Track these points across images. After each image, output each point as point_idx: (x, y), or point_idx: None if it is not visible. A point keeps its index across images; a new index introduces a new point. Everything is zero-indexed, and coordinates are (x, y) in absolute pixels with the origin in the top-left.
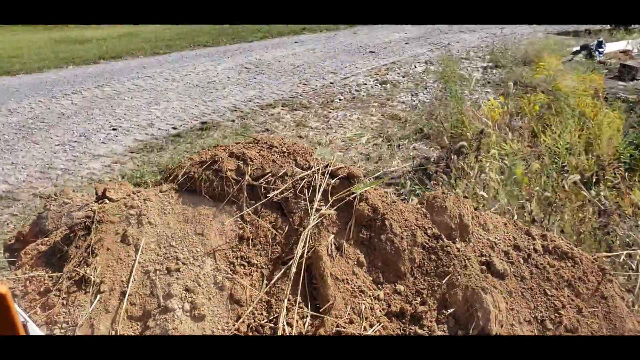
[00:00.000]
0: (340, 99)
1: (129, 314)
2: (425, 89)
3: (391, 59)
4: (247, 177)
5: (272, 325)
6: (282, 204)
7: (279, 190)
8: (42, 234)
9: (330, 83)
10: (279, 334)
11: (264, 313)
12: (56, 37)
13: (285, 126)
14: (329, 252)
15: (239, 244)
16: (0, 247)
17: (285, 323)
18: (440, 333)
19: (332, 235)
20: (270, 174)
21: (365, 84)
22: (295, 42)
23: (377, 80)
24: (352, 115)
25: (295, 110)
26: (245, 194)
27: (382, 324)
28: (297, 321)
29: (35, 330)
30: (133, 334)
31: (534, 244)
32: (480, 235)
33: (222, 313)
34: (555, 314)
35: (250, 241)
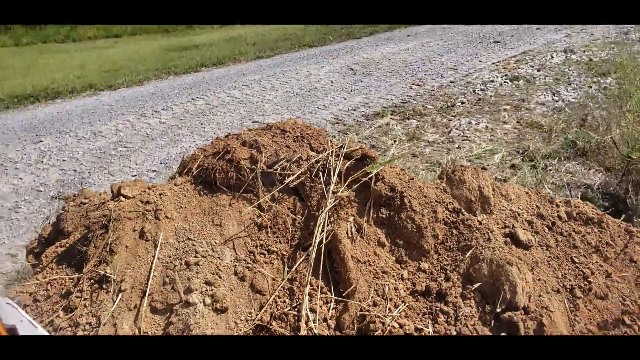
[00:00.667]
0: (462, 102)
1: (151, 310)
2: (569, 85)
3: (521, 48)
4: (261, 164)
5: (296, 312)
6: (298, 189)
7: (295, 176)
8: (62, 235)
9: (450, 82)
10: (303, 320)
11: (287, 300)
12: (165, 45)
13: (396, 140)
14: (349, 235)
15: (258, 232)
16: (23, 252)
17: (308, 310)
18: (466, 309)
19: (352, 217)
20: (284, 160)
21: (492, 82)
22: (408, 36)
23: (506, 76)
24: (478, 123)
25: (408, 119)
26: (260, 181)
27: (407, 304)
28: (320, 307)
29: (41, 332)
30: (156, 331)
31: (557, 212)
32: (503, 206)
33: (245, 303)
34: (585, 281)
35: (268, 229)
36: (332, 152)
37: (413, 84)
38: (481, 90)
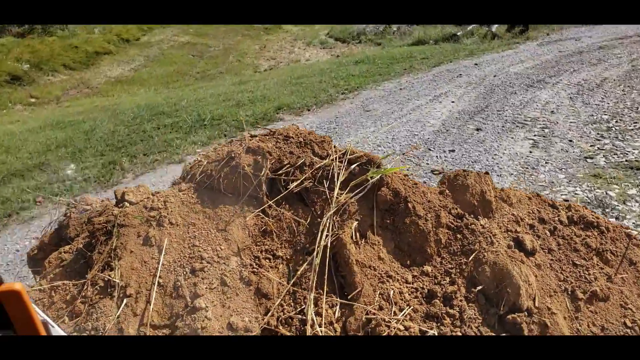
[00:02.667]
0: None
1: (157, 316)
2: None
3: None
4: (265, 170)
5: (301, 316)
6: (302, 194)
7: (299, 181)
8: (65, 241)
9: None
10: (308, 324)
11: (293, 304)
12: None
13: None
14: (354, 239)
15: (263, 237)
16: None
17: (313, 313)
18: (470, 312)
19: (356, 222)
20: (288, 166)
21: None
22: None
23: None
24: None
25: None
26: (265, 187)
27: (412, 307)
28: (326, 310)
29: (57, 331)
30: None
31: (559, 215)
32: (505, 210)
33: (251, 308)
34: (586, 284)
35: (273, 234)
36: (336, 157)
37: None
38: None
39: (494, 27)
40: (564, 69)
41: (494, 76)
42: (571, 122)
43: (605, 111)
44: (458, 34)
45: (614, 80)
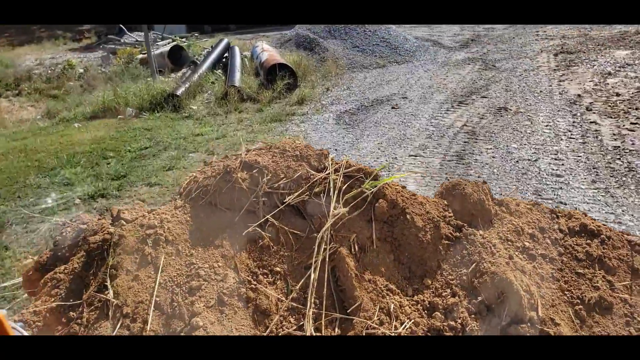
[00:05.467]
0: None
1: (154, 335)
2: None
3: None
4: (262, 185)
5: (301, 332)
6: (300, 208)
7: (295, 195)
8: (60, 261)
9: None
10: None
11: (292, 320)
12: None
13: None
14: (352, 252)
15: (260, 253)
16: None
17: (312, 329)
18: (473, 323)
19: (354, 235)
20: (285, 179)
21: None
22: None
23: None
24: None
25: None
26: (261, 202)
27: (413, 320)
28: (325, 326)
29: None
30: None
31: (559, 224)
32: (505, 219)
33: (249, 324)
34: (589, 293)
35: (271, 249)
36: (332, 170)
37: None
38: None
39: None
40: None
41: None
42: None
43: None
44: (178, 92)
45: None
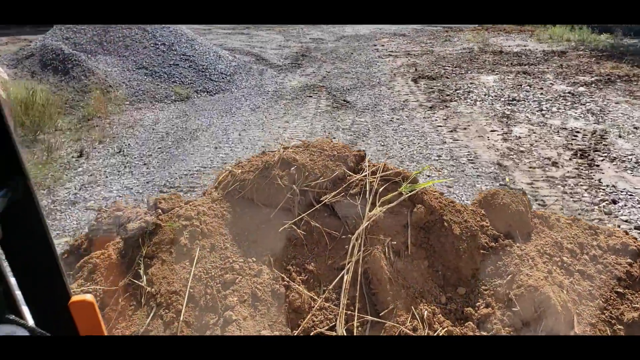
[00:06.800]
0: None
1: (187, 325)
2: None
3: None
4: (299, 182)
5: (332, 333)
6: (335, 208)
7: (332, 195)
8: (95, 247)
9: None
10: None
11: (324, 320)
12: None
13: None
14: (387, 256)
15: (294, 250)
16: None
17: (344, 330)
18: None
19: (389, 239)
20: (322, 179)
21: None
22: None
23: None
24: None
25: None
26: (298, 200)
27: (446, 329)
28: (357, 328)
29: None
30: None
31: (598, 242)
32: (544, 233)
33: (282, 321)
34: (629, 312)
35: (305, 247)
36: (369, 173)
37: None
38: None
39: None
40: None
41: None
42: None
43: None
44: None
45: None
